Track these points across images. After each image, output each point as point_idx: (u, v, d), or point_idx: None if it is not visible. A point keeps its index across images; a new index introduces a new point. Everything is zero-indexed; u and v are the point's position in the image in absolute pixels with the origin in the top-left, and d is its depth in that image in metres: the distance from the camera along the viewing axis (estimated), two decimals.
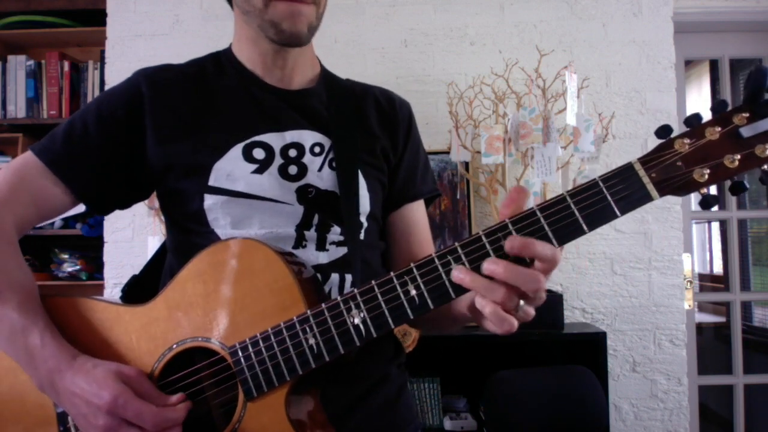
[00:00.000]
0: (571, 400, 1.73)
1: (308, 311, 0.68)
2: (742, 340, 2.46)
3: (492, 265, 0.60)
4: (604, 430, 1.75)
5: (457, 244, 0.64)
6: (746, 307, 2.88)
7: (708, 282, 3.42)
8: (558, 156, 1.94)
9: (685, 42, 2.46)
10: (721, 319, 3.00)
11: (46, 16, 2.54)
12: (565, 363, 2.03)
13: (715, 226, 3.39)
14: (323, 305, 0.68)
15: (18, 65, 2.54)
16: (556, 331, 1.97)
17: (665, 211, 2.27)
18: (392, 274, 0.66)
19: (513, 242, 0.60)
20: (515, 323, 0.61)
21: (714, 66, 2.71)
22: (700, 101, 3.18)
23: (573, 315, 2.27)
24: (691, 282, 2.35)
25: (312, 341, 0.68)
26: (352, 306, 0.67)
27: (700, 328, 2.73)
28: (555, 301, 1.99)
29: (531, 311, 0.63)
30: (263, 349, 0.69)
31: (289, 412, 0.69)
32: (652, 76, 2.32)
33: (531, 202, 2.05)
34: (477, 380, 2.04)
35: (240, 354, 0.70)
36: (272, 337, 0.69)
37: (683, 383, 2.24)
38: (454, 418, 2.06)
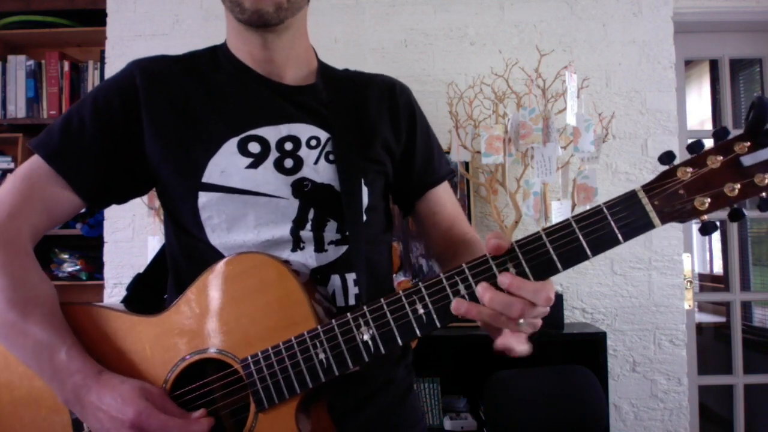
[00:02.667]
0: (571, 400, 1.73)
1: (318, 327, 0.70)
2: (742, 340, 2.46)
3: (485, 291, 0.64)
4: (604, 430, 1.75)
5: (464, 264, 0.66)
6: (746, 307, 2.87)
7: (708, 282, 3.42)
8: (558, 156, 1.95)
9: (685, 42, 2.46)
10: (721, 319, 3.00)
11: (46, 16, 2.54)
12: (565, 363, 2.03)
13: None
14: (333, 321, 0.70)
15: (18, 65, 2.54)
16: (556, 331, 1.97)
17: None
18: (401, 292, 0.68)
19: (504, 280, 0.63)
20: (527, 347, 0.67)
21: (714, 66, 2.71)
22: (700, 101, 3.17)
23: (573, 315, 2.27)
24: (691, 282, 2.35)
25: (322, 356, 0.69)
26: (362, 323, 0.69)
27: (700, 328, 2.73)
28: (555, 301, 1.99)
29: (537, 322, 0.66)
30: (275, 363, 0.71)
31: (299, 423, 0.71)
32: (652, 76, 2.32)
33: (531, 203, 2.05)
34: (477, 380, 2.04)
35: (252, 367, 0.71)
36: (283, 351, 0.71)
37: (683, 383, 2.24)
38: (454, 418, 2.06)
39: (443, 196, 0.98)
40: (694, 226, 3.01)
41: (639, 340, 2.26)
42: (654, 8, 2.33)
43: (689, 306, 2.35)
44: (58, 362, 0.71)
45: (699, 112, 3.24)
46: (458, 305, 0.64)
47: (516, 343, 0.67)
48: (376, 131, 0.90)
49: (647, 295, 2.27)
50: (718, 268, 3.33)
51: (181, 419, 0.69)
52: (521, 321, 0.63)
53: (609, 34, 2.34)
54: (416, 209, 0.97)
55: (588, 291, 2.28)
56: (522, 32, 2.36)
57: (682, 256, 2.28)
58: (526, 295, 0.62)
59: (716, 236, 3.41)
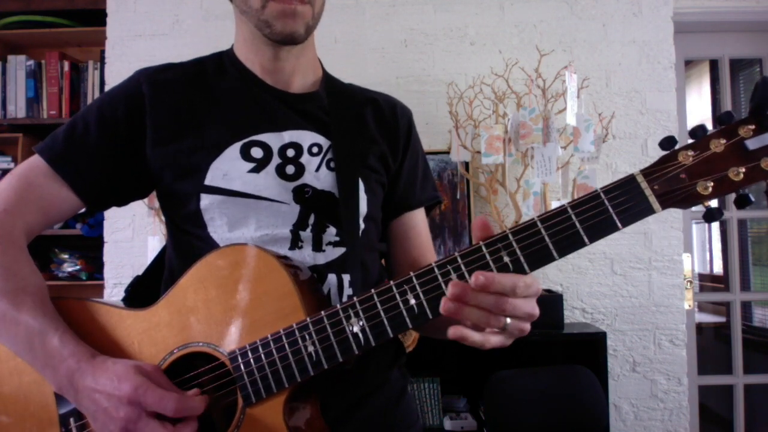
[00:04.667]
0: (571, 400, 1.73)
1: (308, 319, 0.69)
2: (742, 340, 2.46)
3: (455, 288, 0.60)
4: (604, 430, 1.75)
5: (456, 253, 0.63)
6: (746, 307, 2.87)
7: (708, 282, 3.42)
8: (558, 156, 1.95)
9: (685, 42, 2.46)
10: (721, 319, 3.00)
11: (46, 16, 2.54)
12: (565, 363, 2.03)
13: (715, 226, 3.38)
14: (323, 313, 0.68)
15: (18, 65, 2.54)
16: (556, 331, 1.97)
17: (665, 211, 2.26)
18: (392, 283, 0.66)
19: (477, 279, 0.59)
20: (492, 340, 0.61)
21: (714, 66, 2.71)
22: (700, 101, 3.18)
23: (573, 315, 2.27)
24: (691, 282, 2.35)
25: (311, 349, 0.68)
26: (351, 314, 0.67)
27: (700, 328, 2.73)
28: (555, 301, 2.00)
29: (525, 326, 0.62)
30: (262, 356, 0.70)
31: (287, 419, 0.69)
32: (652, 76, 2.32)
33: (531, 203, 2.04)
34: (477, 380, 2.04)
35: (240, 360, 0.71)
36: (271, 344, 0.70)
37: (683, 383, 2.24)
38: (454, 418, 2.06)
39: (419, 224, 0.97)
40: (695, 226, 3.01)
41: (639, 340, 2.26)
42: (654, 8, 2.33)
43: (689, 306, 2.35)
44: (50, 348, 0.71)
45: (699, 112, 3.24)
46: (445, 304, 0.60)
47: (469, 332, 0.61)
48: (375, 142, 0.91)
49: (647, 295, 2.27)
50: (718, 268, 3.33)
51: (178, 393, 0.69)
52: (508, 321, 0.60)
53: (609, 34, 2.34)
54: (389, 229, 0.96)
55: (588, 291, 2.28)
56: (522, 32, 2.36)
57: (682, 256, 2.28)
58: (504, 288, 0.58)
59: (716, 236, 3.42)
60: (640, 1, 2.33)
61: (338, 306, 0.68)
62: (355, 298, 0.67)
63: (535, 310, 0.62)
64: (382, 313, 0.66)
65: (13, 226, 0.78)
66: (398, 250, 0.96)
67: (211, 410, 0.74)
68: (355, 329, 0.67)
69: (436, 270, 0.64)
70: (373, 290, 0.66)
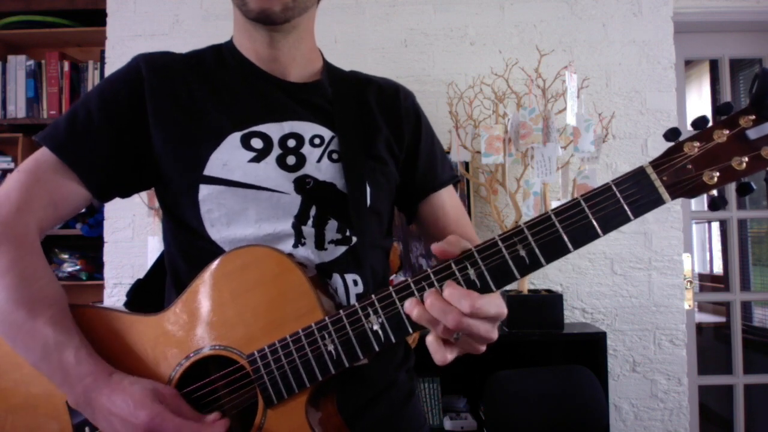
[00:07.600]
0: (571, 400, 1.73)
1: (326, 318, 0.68)
2: (742, 340, 2.46)
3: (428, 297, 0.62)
4: (604, 430, 1.75)
5: (473, 248, 0.64)
6: (746, 307, 2.88)
7: (708, 282, 3.42)
8: (558, 156, 1.94)
9: (685, 42, 2.46)
10: (721, 319, 3.00)
11: (46, 16, 2.54)
12: (565, 363, 2.03)
13: (715, 226, 3.39)
14: (341, 312, 0.68)
15: (18, 65, 2.54)
16: (556, 331, 1.97)
17: (665, 211, 2.27)
18: (409, 279, 0.66)
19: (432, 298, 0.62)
20: (448, 356, 0.63)
21: (714, 66, 2.71)
22: (700, 101, 3.18)
23: (573, 315, 2.27)
24: (691, 282, 2.35)
25: (331, 347, 0.68)
26: (371, 312, 0.67)
27: (700, 328, 2.73)
28: (555, 301, 2.00)
29: (478, 347, 0.65)
30: (282, 356, 0.69)
31: (309, 418, 0.69)
32: (652, 76, 2.32)
33: (531, 203, 2.04)
34: (477, 380, 2.04)
35: (259, 362, 0.70)
36: (291, 344, 0.69)
37: (683, 383, 2.24)
38: (454, 418, 2.06)
39: (447, 201, 0.98)
40: (695, 226, 3.01)
41: (639, 340, 2.26)
42: (654, 8, 2.33)
43: (689, 306, 2.35)
44: (67, 364, 0.70)
45: (699, 112, 3.24)
46: (409, 306, 0.63)
47: (437, 348, 0.64)
48: (379, 131, 0.90)
49: (647, 295, 2.27)
50: (718, 268, 3.33)
51: (196, 422, 0.68)
52: (457, 335, 0.62)
53: (609, 34, 2.34)
54: (419, 212, 0.97)
55: (588, 291, 2.28)
56: (522, 32, 2.36)
57: (682, 256, 2.28)
58: (456, 303, 0.60)
59: (716, 236, 3.42)
60: (640, 1, 2.33)
61: (356, 304, 0.68)
62: (373, 296, 0.67)
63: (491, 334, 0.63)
64: (401, 310, 0.65)
65: (27, 227, 0.76)
66: (434, 232, 0.97)
67: (230, 414, 0.73)
68: (375, 326, 0.66)
69: (453, 266, 0.64)
70: (391, 287, 0.66)
